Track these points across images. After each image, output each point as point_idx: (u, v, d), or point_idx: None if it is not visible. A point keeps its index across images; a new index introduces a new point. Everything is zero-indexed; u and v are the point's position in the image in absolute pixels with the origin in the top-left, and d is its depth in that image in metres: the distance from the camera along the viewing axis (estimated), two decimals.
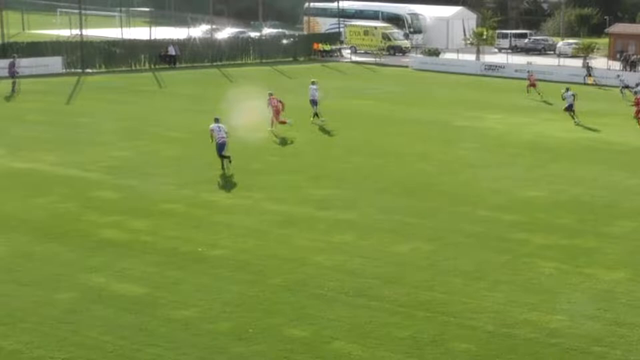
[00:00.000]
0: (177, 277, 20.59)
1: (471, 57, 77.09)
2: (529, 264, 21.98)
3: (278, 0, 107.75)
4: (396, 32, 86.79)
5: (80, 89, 54.40)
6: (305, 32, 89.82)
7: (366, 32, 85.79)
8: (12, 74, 53.07)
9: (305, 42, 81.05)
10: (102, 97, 49.35)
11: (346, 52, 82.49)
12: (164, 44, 71.00)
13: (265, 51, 76.69)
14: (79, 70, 64.00)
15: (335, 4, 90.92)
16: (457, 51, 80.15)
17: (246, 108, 47.87)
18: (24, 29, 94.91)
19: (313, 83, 44.18)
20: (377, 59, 77.75)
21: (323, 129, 41.39)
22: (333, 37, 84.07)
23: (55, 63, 63.27)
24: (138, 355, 16.43)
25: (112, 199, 27.48)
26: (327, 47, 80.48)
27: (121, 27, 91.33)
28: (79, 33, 69.48)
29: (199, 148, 36.08)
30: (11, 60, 54.82)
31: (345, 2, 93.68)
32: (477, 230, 24.80)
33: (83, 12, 71.35)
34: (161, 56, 69.66)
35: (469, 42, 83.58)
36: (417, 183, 30.68)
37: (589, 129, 43.10)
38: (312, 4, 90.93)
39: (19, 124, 40.77)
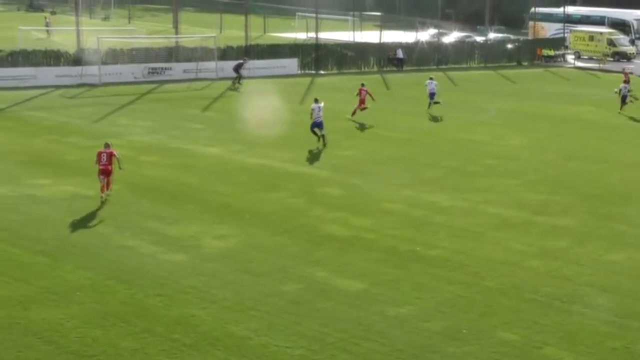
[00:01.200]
0: (395, 275, 20.64)
1: None
2: None
3: (505, 5, 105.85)
4: (621, 38, 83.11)
5: (313, 90, 55.55)
6: (529, 37, 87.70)
7: (591, 38, 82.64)
8: (237, 71, 56.65)
9: (529, 47, 79.07)
10: (331, 97, 50.14)
11: (570, 58, 79.88)
12: (392, 47, 71.33)
13: (490, 55, 75.45)
14: (313, 72, 65.41)
15: (561, 9, 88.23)
16: None
17: (469, 110, 47.43)
18: (265, 32, 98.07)
19: (431, 79, 46.67)
20: (601, 65, 74.77)
21: (540, 134, 40.29)
22: (557, 42, 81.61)
23: (291, 64, 64.91)
24: (355, 349, 16.59)
25: (337, 196, 27.91)
26: (551, 53, 78.21)
27: (353, 30, 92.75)
28: (315, 36, 70.98)
29: (419, 149, 36.12)
30: (240, 61, 58.00)
31: (571, 7, 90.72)
32: None
33: (319, 16, 72.73)
34: (390, 59, 70.02)
35: None
36: (634, 190, 29.28)
37: None
38: (538, 9, 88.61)
39: (256, 122, 42.00)
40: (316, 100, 36.81)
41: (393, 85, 59.62)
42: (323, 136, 36.05)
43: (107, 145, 27.35)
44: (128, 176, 29.56)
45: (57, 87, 52.11)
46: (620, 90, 47.19)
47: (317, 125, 36.16)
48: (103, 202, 26.36)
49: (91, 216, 24.84)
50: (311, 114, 36.31)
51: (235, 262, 21.31)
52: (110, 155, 26.99)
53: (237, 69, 57.77)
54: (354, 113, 43.03)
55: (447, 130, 41.12)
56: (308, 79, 60.56)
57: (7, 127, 38.76)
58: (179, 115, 42.97)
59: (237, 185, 29.10)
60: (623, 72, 55.51)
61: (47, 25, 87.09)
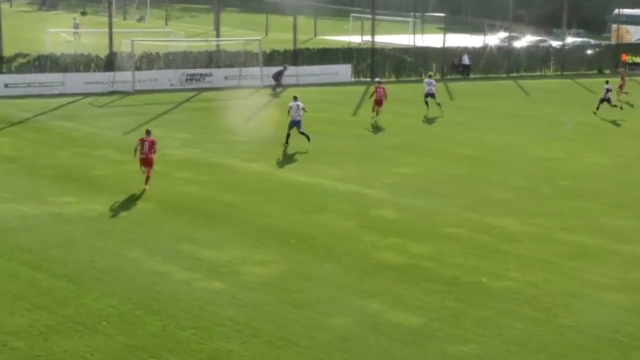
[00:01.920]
0: (457, 308, 20.47)
1: None
2: None
3: (584, 7, 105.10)
4: None
5: (368, 99, 55.56)
6: (612, 42, 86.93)
7: None
8: (276, 79, 57.72)
9: (612, 53, 78.39)
10: (387, 108, 50.07)
11: None
12: (457, 52, 71.18)
13: (567, 62, 74.95)
14: (368, 79, 65.47)
15: None
16: None
17: (542, 124, 47.10)
18: (315, 35, 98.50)
19: (430, 76, 50.86)
20: None
21: (623, 152, 39.82)
22: None
23: (344, 71, 65.10)
24: None
25: (392, 219, 27.81)
26: (637, 59, 77.38)
27: (413, 33, 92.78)
28: (370, 40, 71.13)
29: (486, 166, 35.91)
30: (280, 69, 58.80)
31: None
32: None
33: (376, 17, 72.83)
34: (454, 65, 69.89)
35: None
36: None
37: None
38: (622, 11, 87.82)
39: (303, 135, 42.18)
40: (295, 98, 38.86)
41: (457, 94, 59.44)
42: (303, 133, 38.27)
43: (148, 132, 30.35)
44: (161, 194, 29.80)
45: (87, 94, 52.85)
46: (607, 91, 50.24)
47: (295, 124, 38.28)
48: (142, 193, 29.55)
49: (120, 238, 25.01)
50: (289, 112, 38.59)
51: (278, 291, 21.29)
52: (152, 144, 29.93)
53: (277, 77, 58.10)
54: (375, 112, 46.12)
55: (518, 146, 40.84)
56: (362, 88, 60.57)
57: (32, 139, 39.34)
58: (218, 127, 43.25)
59: (281, 205, 29.15)
60: (620, 73, 59.36)
61: (75, 27, 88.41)
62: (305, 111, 39.03)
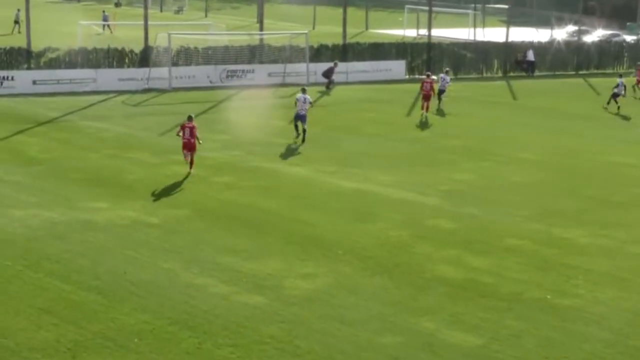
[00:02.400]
0: (518, 328, 20.35)
1: None
2: None
3: None
4: None
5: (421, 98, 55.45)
6: None
7: None
8: (327, 77, 58.34)
9: None
10: (445, 108, 50.05)
11: None
12: (522, 47, 70.82)
13: None
14: (423, 77, 65.23)
15: None
16: None
17: (615, 126, 46.70)
18: (367, 28, 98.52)
19: (446, 72, 53.41)
20: None
21: None
22: None
23: (398, 67, 65.07)
24: None
25: (449, 230, 27.73)
26: None
27: (474, 27, 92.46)
28: (427, 34, 71.02)
29: (552, 173, 35.71)
30: (331, 65, 59.14)
31: None
32: None
33: (433, 9, 72.65)
34: (517, 62, 69.55)
35: None
36: None
37: None
38: None
39: (353, 137, 42.30)
40: (303, 91, 40.60)
41: (521, 94, 59.17)
42: (304, 131, 39.65)
43: (190, 118, 33.79)
44: (198, 200, 29.97)
45: (120, 92, 53.34)
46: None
47: (299, 117, 39.85)
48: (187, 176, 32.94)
49: (154, 247, 25.18)
50: (295, 104, 40.10)
51: (324, 307, 21.31)
52: (193, 129, 33.09)
53: (327, 74, 58.26)
54: (426, 109, 47.75)
55: (588, 150, 40.57)
56: (418, 85, 60.30)
57: (61, 139, 39.76)
58: (260, 128, 43.40)
59: (327, 214, 29.18)
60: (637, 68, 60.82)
61: (104, 19, 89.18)
62: (312, 106, 40.88)
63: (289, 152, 38.19)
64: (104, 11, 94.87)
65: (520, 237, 27.02)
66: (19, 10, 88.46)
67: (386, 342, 19.42)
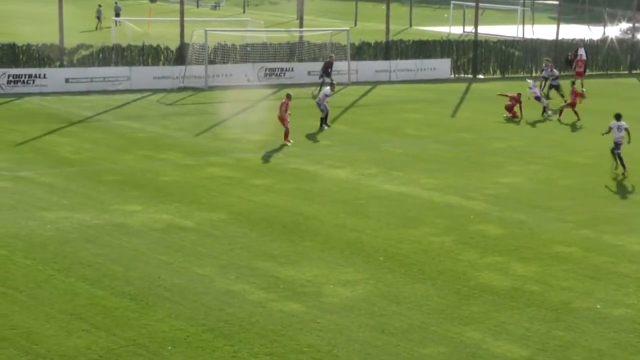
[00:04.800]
0: (566, 339, 20.25)
1: None
2: None
3: None
4: None
5: (469, 98, 55.42)
6: None
7: None
8: (327, 75, 54.56)
9: None
10: (491, 109, 49.91)
11: None
12: (572, 45, 70.41)
13: None
14: (469, 76, 65.20)
15: None
16: None
17: None
18: (410, 25, 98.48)
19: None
20: None
21: None
22: None
23: (443, 66, 64.99)
24: None
25: (495, 235, 27.64)
26: None
27: (523, 24, 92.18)
28: (473, 31, 70.84)
29: (604, 177, 35.44)
30: (328, 60, 56.12)
31: None
32: None
33: (480, 5, 72.42)
34: (568, 60, 69.12)
35: None
36: None
37: None
38: None
39: (395, 138, 42.30)
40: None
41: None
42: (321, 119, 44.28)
43: (289, 96, 40.23)
44: (235, 203, 30.09)
45: (154, 91, 53.71)
46: None
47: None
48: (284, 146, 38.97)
49: (189, 252, 25.31)
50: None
51: (364, 315, 21.32)
52: (287, 106, 39.68)
53: (326, 71, 55.03)
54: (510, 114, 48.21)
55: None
56: (463, 85, 60.46)
57: (94, 140, 40.06)
58: (300, 128, 43.48)
59: (368, 218, 29.20)
60: None
61: (116, 10, 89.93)
62: (327, 95, 44.58)
63: (329, 154, 38.24)
64: (116, 2, 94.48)
65: (569, 244, 26.89)
66: (100, 6, 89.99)
67: (428, 352, 19.39)
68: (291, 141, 39.78)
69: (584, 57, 68.18)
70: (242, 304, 21.63)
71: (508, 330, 20.60)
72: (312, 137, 41.80)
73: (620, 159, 35.49)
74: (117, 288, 22.41)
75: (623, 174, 35.41)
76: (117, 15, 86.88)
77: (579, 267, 24.91)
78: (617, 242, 27.24)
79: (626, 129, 35.52)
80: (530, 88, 49.55)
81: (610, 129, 35.91)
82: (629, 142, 35.52)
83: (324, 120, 43.88)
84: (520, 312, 21.65)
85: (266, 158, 37.24)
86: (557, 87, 52.84)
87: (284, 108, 39.56)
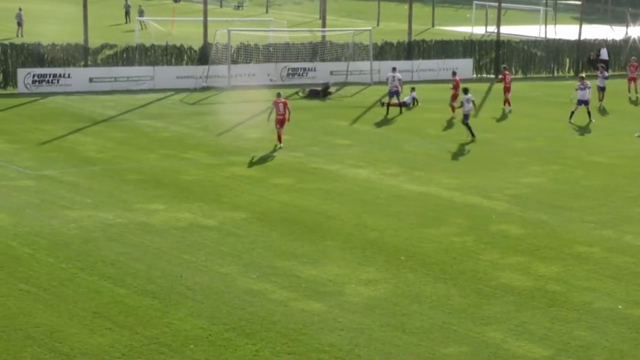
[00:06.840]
0: (588, 339, 20.18)
1: None
2: None
3: None
4: None
5: (491, 99, 55.22)
6: None
7: None
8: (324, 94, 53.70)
9: None
10: (514, 108, 49.75)
11: None
12: (595, 45, 70.16)
13: None
14: (492, 76, 65.01)
15: None
16: None
17: None
18: (433, 25, 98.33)
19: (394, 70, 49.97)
20: None
21: None
22: None
23: (465, 66, 64.71)
24: None
25: (516, 235, 27.56)
26: None
27: (545, 24, 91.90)
28: (495, 31, 70.63)
29: (627, 177, 35.34)
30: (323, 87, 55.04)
31: None
32: None
33: (502, 5, 72.21)
34: (590, 61, 68.87)
35: None
36: None
37: None
38: None
39: (416, 138, 42.24)
40: (394, 70, 49.25)
41: (593, 94, 58.43)
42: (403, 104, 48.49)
43: (279, 95, 38.69)
44: (257, 203, 30.12)
45: (178, 90, 53.79)
46: None
47: (394, 94, 47.92)
48: (277, 149, 37.88)
49: (211, 251, 25.34)
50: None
51: (385, 314, 21.30)
52: (285, 105, 38.11)
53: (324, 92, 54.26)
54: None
55: None
56: (485, 85, 60.22)
57: (117, 139, 40.17)
58: (322, 128, 43.52)
59: (390, 218, 29.16)
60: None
61: (126, 9, 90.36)
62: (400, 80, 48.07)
63: (350, 153, 38.21)
64: (127, 2, 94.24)
65: (590, 244, 26.79)
66: (127, 0, 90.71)
67: (450, 352, 19.37)
68: (281, 145, 38.79)
69: (606, 57, 68.08)
70: (263, 303, 21.65)
71: (529, 330, 20.54)
72: (332, 136, 41.69)
73: None
74: (139, 286, 22.47)
75: None
76: (128, 13, 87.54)
77: (600, 268, 24.82)
78: (638, 242, 27.12)
79: None
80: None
81: None
82: None
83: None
84: (542, 312, 21.59)
85: (287, 158, 37.23)
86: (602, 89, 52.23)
87: (282, 106, 38.30)
